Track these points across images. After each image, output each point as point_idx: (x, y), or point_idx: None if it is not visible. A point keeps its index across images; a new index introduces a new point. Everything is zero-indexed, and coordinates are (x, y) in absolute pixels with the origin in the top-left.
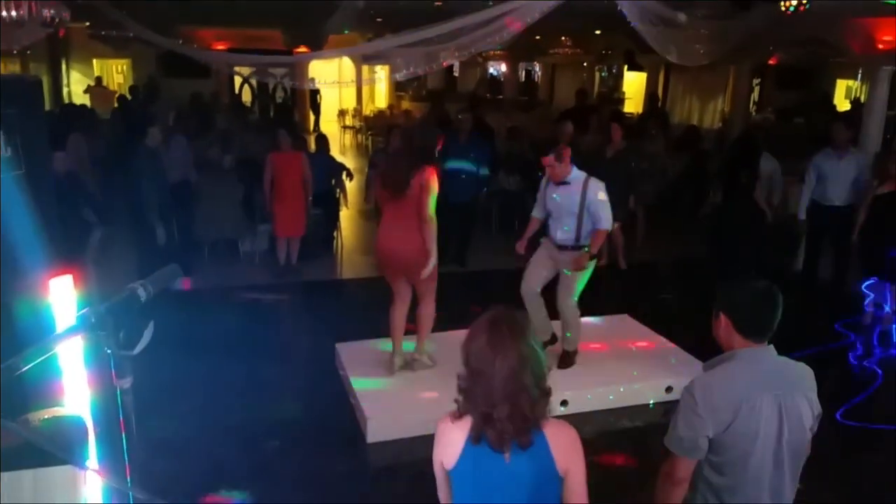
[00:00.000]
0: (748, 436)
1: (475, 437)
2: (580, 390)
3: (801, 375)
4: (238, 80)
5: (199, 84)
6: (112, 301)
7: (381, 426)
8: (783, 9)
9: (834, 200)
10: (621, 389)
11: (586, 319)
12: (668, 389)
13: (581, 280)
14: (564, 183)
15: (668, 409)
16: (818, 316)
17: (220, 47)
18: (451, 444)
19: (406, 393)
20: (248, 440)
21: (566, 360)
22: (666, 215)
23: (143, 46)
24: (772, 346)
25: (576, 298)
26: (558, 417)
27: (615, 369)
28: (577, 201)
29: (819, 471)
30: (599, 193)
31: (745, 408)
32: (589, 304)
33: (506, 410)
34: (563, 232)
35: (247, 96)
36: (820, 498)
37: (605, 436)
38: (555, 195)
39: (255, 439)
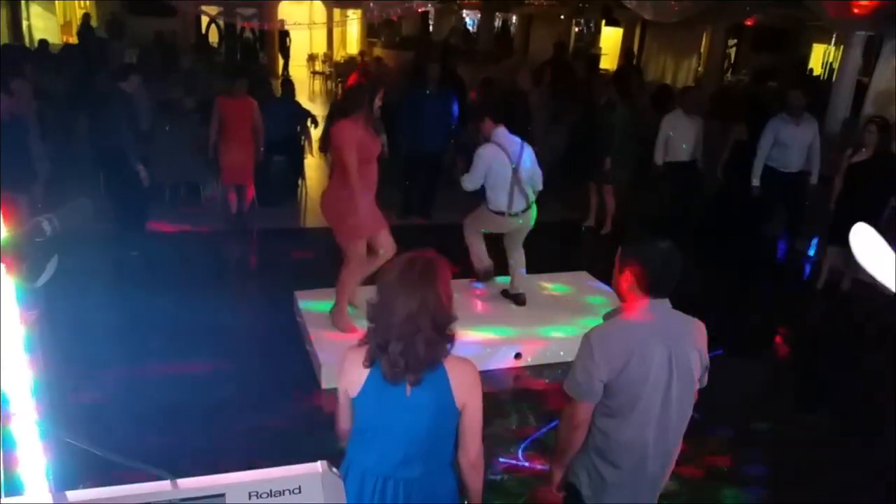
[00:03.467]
0: (638, 381)
1: (368, 361)
2: (534, 344)
3: (693, 329)
4: (205, 20)
5: (165, 23)
6: (14, 233)
7: (335, 372)
8: None
9: (791, 167)
10: (573, 344)
11: (545, 275)
12: None
13: (477, 216)
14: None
15: None
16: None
17: None
18: (355, 372)
19: None
20: (203, 385)
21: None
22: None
23: None
24: (667, 301)
25: (469, 224)
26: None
27: (570, 324)
28: None
29: None
30: (475, 154)
31: (637, 356)
32: (552, 261)
33: (399, 347)
34: None
35: (214, 37)
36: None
37: (558, 388)
38: None
39: (210, 384)
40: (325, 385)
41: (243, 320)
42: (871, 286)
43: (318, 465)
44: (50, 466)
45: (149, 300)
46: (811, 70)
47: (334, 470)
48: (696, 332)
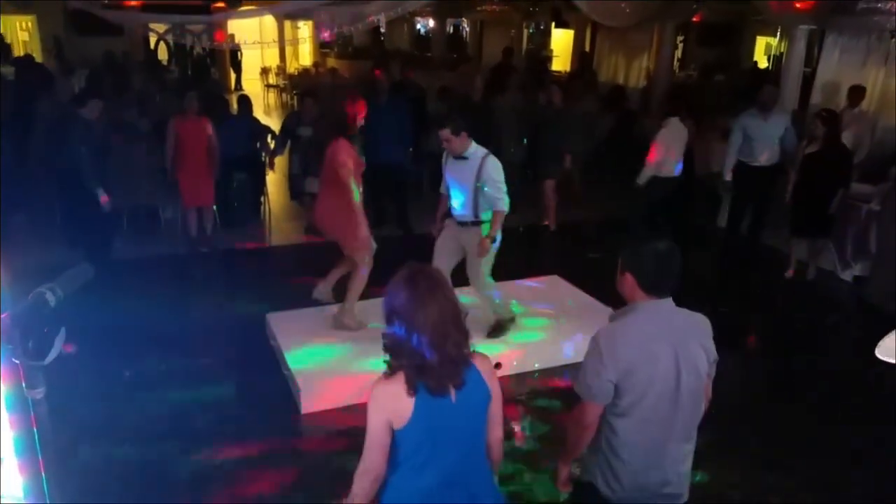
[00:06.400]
0: (646, 381)
1: (411, 389)
2: (513, 352)
3: (697, 325)
4: (153, 38)
5: (112, 42)
6: (17, 309)
7: (314, 396)
8: None
9: (761, 161)
10: (553, 349)
11: (516, 282)
12: None
13: (488, 261)
14: (462, 158)
15: None
16: (748, 273)
17: (134, 3)
18: (398, 404)
19: (339, 362)
20: (180, 415)
21: (499, 328)
22: (594, 175)
23: (49, 2)
24: (670, 299)
25: (488, 278)
26: None
27: (546, 330)
28: (472, 178)
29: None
30: (495, 173)
31: (644, 355)
32: (520, 264)
33: (436, 360)
34: (460, 206)
35: (163, 54)
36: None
37: (538, 395)
38: (452, 169)
39: (187, 414)
40: (304, 410)
41: (215, 347)
42: (832, 274)
43: None
44: None
45: (117, 330)
46: (756, 63)
47: None
48: (700, 328)
